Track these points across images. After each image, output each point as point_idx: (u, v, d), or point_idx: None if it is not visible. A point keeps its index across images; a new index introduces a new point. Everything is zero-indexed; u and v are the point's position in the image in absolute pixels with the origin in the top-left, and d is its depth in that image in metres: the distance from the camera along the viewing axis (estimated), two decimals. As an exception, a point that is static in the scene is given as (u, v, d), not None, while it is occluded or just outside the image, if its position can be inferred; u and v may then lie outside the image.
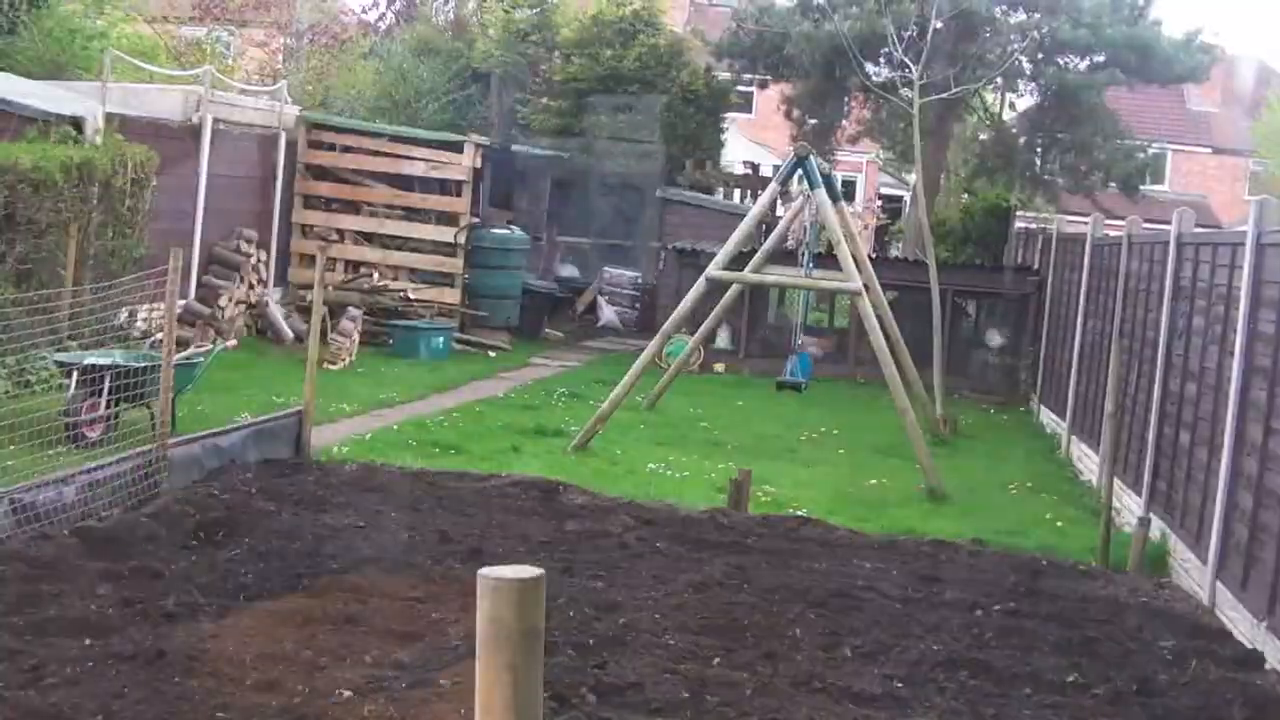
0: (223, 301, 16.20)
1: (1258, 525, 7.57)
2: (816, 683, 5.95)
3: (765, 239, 16.72)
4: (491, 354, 18.64)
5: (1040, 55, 23.29)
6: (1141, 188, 24.69)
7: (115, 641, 5.79)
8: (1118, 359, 9.96)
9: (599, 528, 8.64)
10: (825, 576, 7.90)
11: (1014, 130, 25.81)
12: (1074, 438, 14.17)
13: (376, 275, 18.97)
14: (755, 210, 14.18)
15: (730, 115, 27.13)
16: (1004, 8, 23.21)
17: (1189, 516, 9.12)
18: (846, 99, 24.72)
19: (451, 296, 19.16)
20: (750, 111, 33.13)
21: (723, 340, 19.41)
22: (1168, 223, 10.85)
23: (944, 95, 18.43)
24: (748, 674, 6.00)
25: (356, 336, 16.97)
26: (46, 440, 9.08)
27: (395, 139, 19.58)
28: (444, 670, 5.63)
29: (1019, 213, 23.39)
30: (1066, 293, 16.20)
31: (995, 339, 19.26)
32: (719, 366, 18.91)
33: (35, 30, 18.13)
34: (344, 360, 16.16)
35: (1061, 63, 23.34)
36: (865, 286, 13.29)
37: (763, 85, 26.32)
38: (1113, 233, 14.41)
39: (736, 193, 27.02)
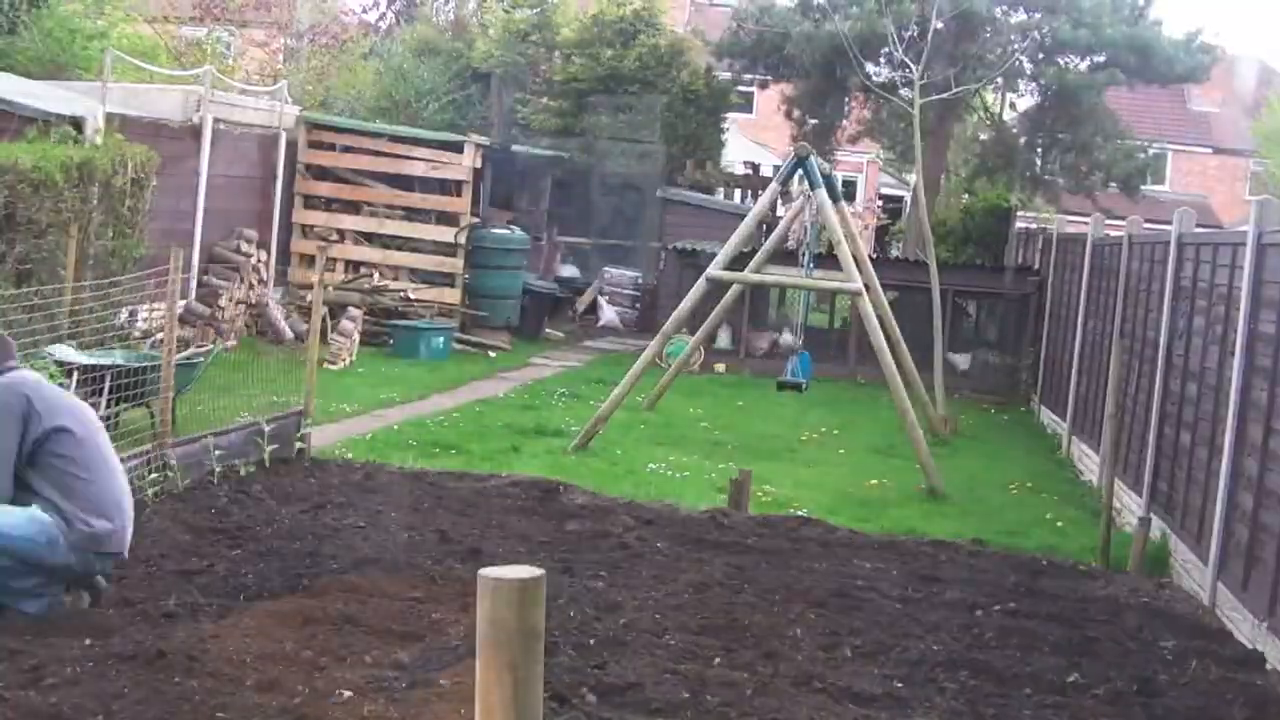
0: (223, 301, 16.19)
1: (1258, 525, 7.56)
2: (816, 683, 5.94)
3: (765, 239, 16.72)
4: (491, 354, 18.63)
5: (1040, 55, 23.33)
6: (1142, 188, 24.73)
7: (115, 641, 5.77)
8: (1118, 359, 9.96)
9: (599, 528, 8.64)
10: (825, 576, 7.89)
11: (1014, 130, 25.84)
12: (1074, 438, 14.17)
13: (377, 275, 18.97)
14: (755, 210, 14.17)
15: (730, 115, 27.13)
16: (1004, 8, 23.23)
17: (1189, 517, 9.12)
18: (847, 99, 24.75)
19: (452, 296, 19.16)
20: (750, 111, 33.14)
21: (723, 340, 19.41)
22: (1168, 223, 10.84)
23: (944, 95, 18.44)
24: (748, 674, 6.00)
25: (356, 336, 16.96)
26: (46, 440, 9.06)
27: (395, 139, 19.57)
28: (444, 670, 5.62)
29: (1019, 213, 23.39)
30: (1067, 293, 16.19)
31: (961, 361, 18.97)
32: (719, 366, 18.90)
33: (35, 30, 18.12)
34: (344, 360, 16.16)
35: (1062, 63, 23.38)
36: (866, 287, 13.29)
37: (763, 85, 26.35)
38: (1113, 233, 14.41)
39: (737, 193, 27.02)
